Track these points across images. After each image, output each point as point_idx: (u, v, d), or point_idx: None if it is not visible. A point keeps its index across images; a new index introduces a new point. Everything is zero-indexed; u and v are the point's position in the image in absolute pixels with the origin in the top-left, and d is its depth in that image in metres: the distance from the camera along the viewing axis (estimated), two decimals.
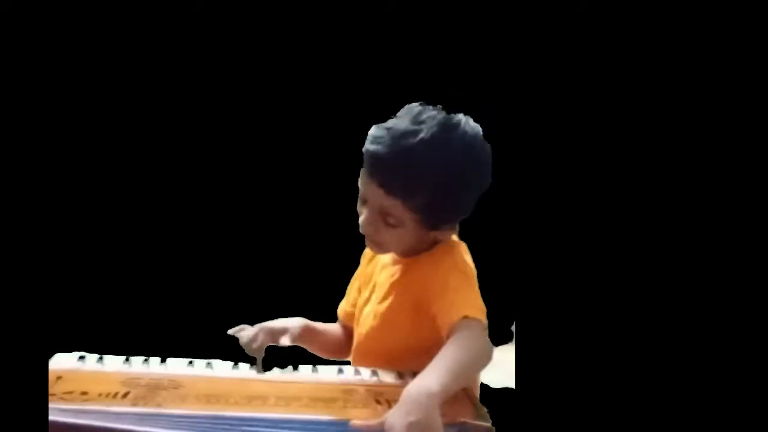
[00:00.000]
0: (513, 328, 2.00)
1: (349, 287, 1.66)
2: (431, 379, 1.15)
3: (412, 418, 1.09)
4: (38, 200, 1.25)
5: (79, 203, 2.45)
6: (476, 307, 1.31)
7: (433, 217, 1.37)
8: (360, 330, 1.50)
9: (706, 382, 1.39)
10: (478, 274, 1.50)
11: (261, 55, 2.52)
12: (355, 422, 1.15)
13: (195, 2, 2.43)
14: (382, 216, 1.38)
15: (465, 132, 1.36)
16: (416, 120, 1.35)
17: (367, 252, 1.61)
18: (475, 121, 1.42)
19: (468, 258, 1.44)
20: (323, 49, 2.50)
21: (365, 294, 1.55)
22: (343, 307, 1.65)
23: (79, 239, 2.46)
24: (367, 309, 1.51)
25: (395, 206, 1.35)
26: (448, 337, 1.26)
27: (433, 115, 1.36)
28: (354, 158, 1.56)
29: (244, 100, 2.55)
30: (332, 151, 2.33)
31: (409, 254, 1.45)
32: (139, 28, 2.45)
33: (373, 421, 1.13)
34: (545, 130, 1.56)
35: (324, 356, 1.60)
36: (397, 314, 1.43)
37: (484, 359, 1.26)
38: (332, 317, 1.73)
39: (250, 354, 1.44)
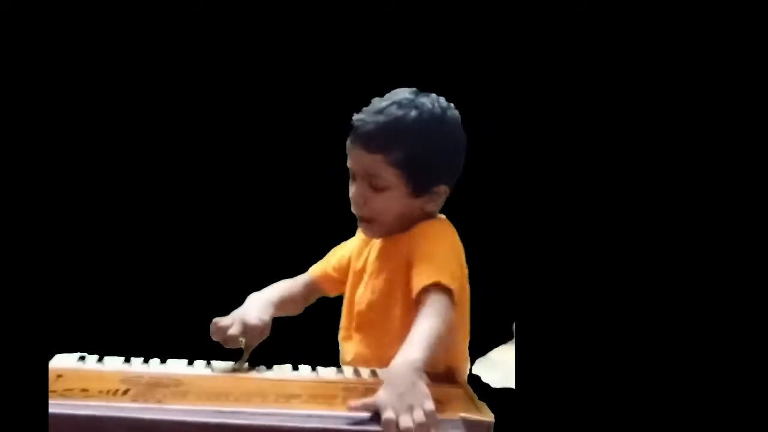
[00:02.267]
0: (513, 328, 2.00)
1: (332, 251, 1.70)
2: (410, 353, 1.24)
3: (400, 390, 1.17)
4: (38, 200, 1.25)
5: (79, 203, 2.45)
6: (448, 273, 1.38)
7: (415, 175, 1.47)
8: (358, 308, 1.54)
9: (706, 381, 1.40)
10: (478, 274, 1.51)
11: (260, 55, 2.52)
12: (351, 403, 1.20)
13: (195, 2, 2.43)
14: (368, 180, 1.48)
15: (434, 98, 1.51)
16: (392, 93, 1.53)
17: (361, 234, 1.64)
18: (475, 121, 1.55)
19: (452, 231, 1.51)
20: (323, 49, 2.50)
21: (358, 266, 1.59)
22: (323, 268, 1.69)
23: (79, 239, 2.46)
24: (361, 288, 1.56)
25: (379, 164, 1.46)
26: (417, 301, 1.35)
27: (406, 89, 1.53)
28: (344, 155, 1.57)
29: (243, 100, 2.55)
30: (332, 151, 2.34)
31: (401, 230, 1.51)
32: (139, 28, 2.45)
33: (366, 400, 1.18)
34: (545, 130, 1.56)
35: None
36: (391, 288, 1.49)
37: (446, 325, 1.34)
38: (331, 316, 1.73)
39: (228, 345, 1.45)
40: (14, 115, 1.24)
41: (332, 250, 1.71)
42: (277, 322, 1.68)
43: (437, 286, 1.36)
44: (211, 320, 1.54)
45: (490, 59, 2.39)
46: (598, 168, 1.48)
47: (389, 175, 1.47)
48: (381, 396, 1.17)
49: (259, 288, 1.65)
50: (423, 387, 1.18)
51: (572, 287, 1.49)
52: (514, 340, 2.04)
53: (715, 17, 1.41)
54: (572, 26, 1.51)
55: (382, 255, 1.54)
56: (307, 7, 2.46)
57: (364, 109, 1.52)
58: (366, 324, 1.53)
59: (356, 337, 1.54)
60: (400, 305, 1.46)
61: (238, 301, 1.59)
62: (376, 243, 1.57)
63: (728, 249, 1.40)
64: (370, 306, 1.52)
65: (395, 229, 1.52)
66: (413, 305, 1.37)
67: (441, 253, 1.43)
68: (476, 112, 1.57)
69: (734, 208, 1.40)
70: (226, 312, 1.61)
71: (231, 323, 1.46)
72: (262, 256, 2.53)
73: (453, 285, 1.37)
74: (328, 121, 2.45)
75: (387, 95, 1.53)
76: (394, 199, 1.48)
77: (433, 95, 1.53)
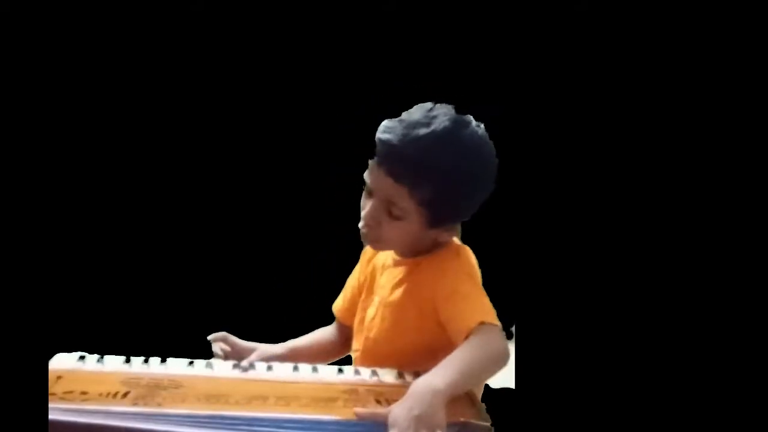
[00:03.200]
0: (513, 328, 2.00)
1: (346, 285, 1.66)
2: (439, 376, 1.17)
3: (416, 412, 1.11)
4: (38, 200, 1.25)
5: (79, 203, 2.45)
6: (491, 313, 1.31)
7: (437, 212, 1.38)
8: (366, 333, 1.50)
9: (706, 381, 1.40)
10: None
11: (260, 55, 2.52)
12: (359, 410, 1.17)
13: (195, 2, 2.43)
14: (387, 206, 1.38)
15: (475, 131, 1.39)
16: (428, 114, 1.38)
17: (367, 251, 1.61)
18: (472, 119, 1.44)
19: (474, 262, 1.45)
20: (322, 49, 2.50)
21: (366, 295, 1.55)
22: (340, 305, 1.65)
23: (79, 239, 2.45)
24: (371, 311, 1.51)
25: (401, 195, 1.36)
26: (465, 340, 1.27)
27: (444, 111, 1.39)
28: (352, 159, 1.57)
29: (243, 100, 2.55)
30: (331, 152, 2.34)
31: (408, 254, 1.46)
32: (139, 28, 2.45)
33: (377, 411, 1.16)
34: (545, 130, 1.56)
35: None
36: (403, 317, 1.44)
37: (501, 363, 1.27)
38: (331, 317, 1.73)
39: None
40: (14, 115, 1.24)
41: (346, 284, 1.66)
42: (277, 321, 1.69)
43: (483, 324, 1.28)
44: (211, 320, 1.55)
45: (489, 59, 2.39)
46: (599, 169, 1.48)
47: (410, 208, 1.37)
48: (394, 412, 1.13)
49: (259, 287, 1.65)
50: (440, 416, 1.13)
51: (572, 288, 1.49)
52: (513, 341, 2.05)
53: (716, 17, 1.40)
54: (572, 26, 1.51)
55: (393, 282, 1.48)
56: (307, 6, 2.45)
57: (394, 127, 1.37)
58: (375, 352, 1.48)
59: (367, 363, 1.49)
60: (412, 339, 1.42)
61: (238, 302, 1.59)
62: (388, 266, 1.51)
63: (728, 248, 1.40)
64: (380, 334, 1.47)
65: (402, 252, 1.47)
66: (442, 342, 1.30)
67: (471, 291, 1.36)
68: (476, 112, 1.56)
69: (734, 207, 1.40)
70: (226, 312, 1.61)
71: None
72: (262, 256, 2.54)
73: (495, 321, 1.29)
74: (327, 121, 2.45)
75: (421, 112, 1.39)
76: (408, 230, 1.40)
77: (473, 124, 1.39)
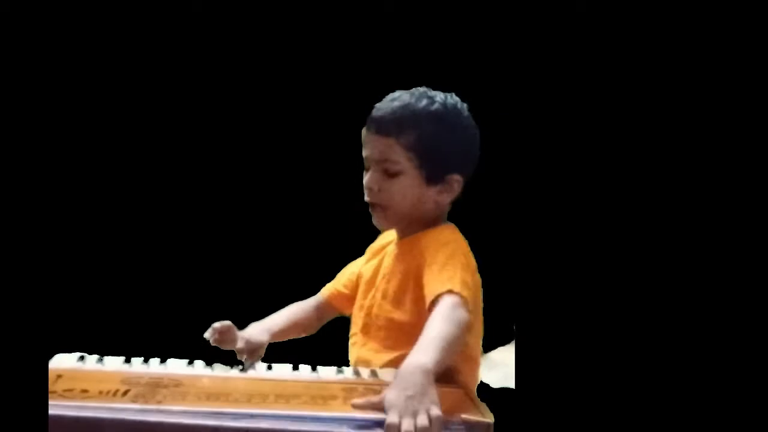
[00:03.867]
0: (513, 328, 2.01)
1: (343, 270, 1.73)
2: (424, 355, 1.22)
3: (409, 392, 1.15)
4: (38, 200, 1.25)
5: (79, 203, 2.45)
6: (458, 283, 1.36)
7: (427, 159, 1.48)
8: (368, 310, 1.55)
9: (706, 381, 1.40)
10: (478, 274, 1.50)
11: (260, 55, 2.52)
12: (356, 401, 1.20)
13: (195, 2, 2.43)
14: (382, 165, 1.50)
15: (449, 95, 1.55)
16: (410, 89, 1.56)
17: (374, 245, 1.67)
18: (475, 120, 1.56)
19: (460, 237, 1.52)
20: (322, 49, 2.50)
21: (369, 275, 1.60)
22: (333, 287, 1.72)
23: (79, 239, 2.46)
24: (372, 292, 1.56)
25: (391, 147, 1.49)
26: (430, 310, 1.34)
27: (423, 87, 1.56)
28: (352, 158, 1.58)
29: (243, 100, 2.55)
30: (330, 153, 2.34)
31: (413, 224, 1.52)
32: (139, 28, 2.45)
33: (372, 399, 1.18)
34: (544, 130, 1.56)
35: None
36: (402, 292, 1.49)
37: (464, 333, 1.33)
38: (333, 321, 1.73)
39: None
40: (14, 115, 1.24)
41: (342, 270, 1.73)
42: None
43: (450, 293, 1.34)
44: (211, 320, 1.57)
45: (489, 60, 2.39)
46: (600, 168, 1.48)
47: (402, 158, 1.48)
48: (388, 397, 1.16)
49: (259, 288, 1.66)
50: (432, 392, 1.17)
51: (572, 288, 1.49)
52: (513, 341, 2.04)
53: (716, 17, 1.41)
54: (572, 26, 1.51)
55: (395, 260, 1.55)
56: (306, 6, 2.46)
57: (382, 101, 1.55)
58: (374, 327, 1.53)
59: (363, 340, 1.55)
60: (409, 311, 1.47)
61: (238, 302, 1.60)
62: (390, 250, 1.59)
63: (729, 248, 1.40)
64: (380, 309, 1.52)
65: (409, 220, 1.53)
66: (426, 313, 1.35)
67: (452, 263, 1.41)
68: (476, 111, 1.57)
69: (735, 207, 1.40)
70: (226, 312, 1.62)
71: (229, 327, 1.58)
72: (262, 256, 2.54)
73: (465, 293, 1.35)
74: (325, 121, 2.46)
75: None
76: (408, 186, 1.49)
77: (450, 94, 1.56)
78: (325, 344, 1.78)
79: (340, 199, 1.69)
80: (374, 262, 1.63)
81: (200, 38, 2.48)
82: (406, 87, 1.57)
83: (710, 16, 1.41)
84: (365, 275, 1.63)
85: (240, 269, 2.52)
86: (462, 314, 1.32)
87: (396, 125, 1.49)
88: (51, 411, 1.12)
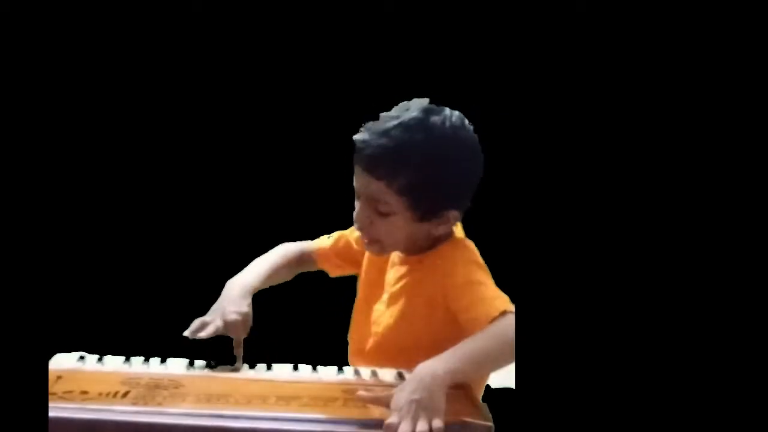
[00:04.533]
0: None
1: (339, 234, 1.64)
2: (442, 362, 1.19)
3: (416, 396, 1.13)
4: (38, 200, 1.24)
5: (79, 203, 2.45)
6: (509, 303, 1.32)
7: (421, 201, 1.38)
8: (375, 329, 1.50)
9: (707, 381, 1.39)
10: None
11: (260, 55, 2.52)
12: (362, 394, 1.19)
13: (195, 2, 2.43)
14: (373, 204, 1.40)
15: (447, 117, 1.40)
16: (401, 109, 1.42)
17: None
18: (472, 118, 1.45)
19: (479, 254, 1.45)
20: (321, 49, 2.50)
21: (374, 291, 1.55)
22: (324, 248, 1.64)
23: (79, 239, 2.45)
24: (379, 307, 1.51)
25: (381, 190, 1.38)
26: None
27: (417, 104, 1.41)
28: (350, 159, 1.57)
29: (243, 100, 2.55)
30: (330, 153, 2.33)
31: (412, 251, 1.46)
32: (139, 28, 2.45)
33: (380, 395, 1.18)
34: (543, 131, 1.56)
35: None
36: (411, 312, 1.44)
37: (511, 350, 1.26)
38: (332, 316, 1.73)
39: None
40: (14, 115, 1.24)
41: (340, 233, 1.65)
42: (277, 322, 1.68)
43: (505, 314, 1.29)
44: None
45: (489, 60, 2.39)
46: (600, 168, 1.48)
47: (393, 201, 1.38)
48: (396, 395, 1.15)
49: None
50: (440, 401, 1.14)
51: (572, 287, 1.49)
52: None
53: (716, 18, 1.40)
54: (572, 26, 1.51)
55: (403, 278, 1.48)
56: (306, 6, 2.45)
57: (369, 126, 1.41)
58: (384, 349, 1.48)
59: (372, 358, 1.49)
60: (420, 334, 1.41)
61: None
62: (396, 262, 1.51)
63: (730, 248, 1.40)
64: (391, 331, 1.46)
65: (403, 250, 1.47)
66: (450, 335, 1.30)
67: (484, 281, 1.37)
68: (474, 111, 1.57)
69: (735, 207, 1.40)
70: None
71: (210, 321, 1.43)
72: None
73: (511, 308, 1.30)
74: (324, 122, 2.45)
75: (396, 109, 1.43)
76: (399, 225, 1.41)
77: (447, 111, 1.41)
78: (325, 344, 1.78)
79: (340, 199, 1.68)
80: (379, 262, 1.56)
81: (200, 38, 2.48)
82: (406, 87, 1.53)
83: (710, 16, 1.41)
84: (368, 274, 1.56)
85: (240, 269, 2.51)
86: (511, 331, 1.25)
87: (387, 169, 1.36)
88: (51, 413, 1.12)
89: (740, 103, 1.40)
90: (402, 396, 1.14)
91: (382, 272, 1.55)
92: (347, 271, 1.66)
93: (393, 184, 1.37)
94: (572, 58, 1.51)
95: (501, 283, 1.60)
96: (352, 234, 1.63)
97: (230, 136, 2.56)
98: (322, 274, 1.77)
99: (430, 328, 1.40)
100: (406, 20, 2.44)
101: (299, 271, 1.67)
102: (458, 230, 1.51)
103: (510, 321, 1.27)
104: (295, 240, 1.73)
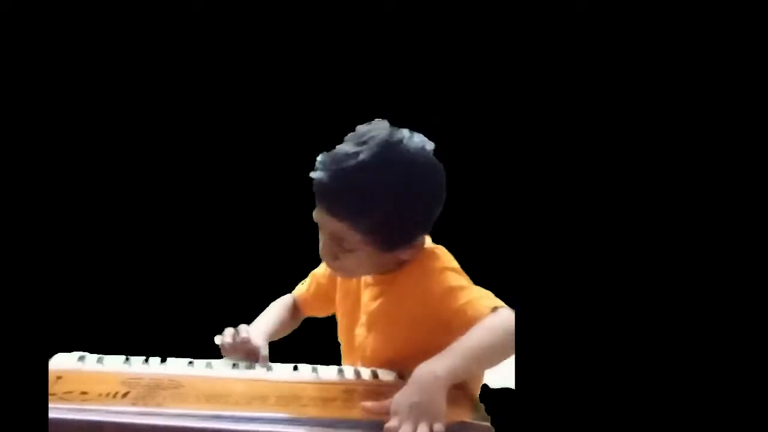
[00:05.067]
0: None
1: (312, 275, 1.65)
2: (440, 362, 1.17)
3: (416, 399, 1.12)
4: (38, 200, 1.25)
5: (79, 203, 2.45)
6: (494, 298, 1.31)
7: (387, 237, 1.35)
8: (361, 354, 1.48)
9: (706, 381, 1.39)
10: (479, 274, 1.50)
11: (261, 56, 2.52)
12: (366, 404, 1.18)
13: (195, 2, 2.43)
14: (337, 241, 1.37)
15: (407, 149, 1.34)
16: (358, 141, 1.34)
17: None
18: (466, 123, 1.43)
19: (452, 258, 1.43)
20: (320, 50, 2.50)
21: (351, 313, 1.52)
22: (302, 294, 1.66)
23: (79, 239, 2.45)
24: (360, 331, 1.49)
25: (344, 230, 1.34)
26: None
27: (375, 134, 1.34)
28: None
29: (244, 101, 2.55)
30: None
31: (383, 272, 1.43)
32: (140, 28, 2.45)
33: (383, 403, 1.16)
34: (543, 132, 1.56)
35: None
36: (393, 330, 1.42)
37: (510, 347, 1.24)
38: (332, 321, 1.73)
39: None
40: (14, 115, 1.24)
41: (311, 276, 1.65)
42: None
43: (496, 309, 1.27)
44: (210, 319, 1.56)
45: (489, 60, 2.39)
46: (600, 169, 1.48)
47: (358, 239, 1.34)
48: (396, 399, 1.14)
49: (258, 289, 1.65)
50: (440, 403, 1.13)
51: (572, 287, 1.49)
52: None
53: (716, 18, 1.40)
54: (572, 26, 1.51)
55: (378, 298, 1.45)
56: (305, 7, 2.45)
57: (326, 162, 1.35)
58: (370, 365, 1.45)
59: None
60: (406, 350, 1.38)
61: (238, 301, 1.59)
62: (370, 282, 1.47)
63: (729, 248, 1.40)
64: (374, 352, 1.44)
65: (373, 274, 1.45)
66: (440, 344, 1.26)
67: (468, 284, 1.35)
68: (472, 113, 1.56)
69: (735, 207, 1.40)
70: (226, 312, 1.62)
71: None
72: (262, 257, 2.54)
73: (500, 303, 1.28)
74: (324, 123, 2.45)
75: (352, 139, 1.35)
76: (366, 258, 1.37)
77: (406, 139, 1.34)
78: (325, 344, 1.78)
79: None
80: (350, 288, 1.53)
81: (200, 39, 2.48)
82: (404, 87, 1.52)
83: (710, 16, 1.41)
84: (343, 304, 1.54)
85: (240, 269, 2.52)
86: (509, 328, 1.23)
87: (349, 211, 1.31)
88: (51, 414, 1.12)
89: (741, 103, 1.39)
90: (402, 399, 1.13)
91: (357, 295, 1.52)
92: (332, 310, 1.63)
93: (357, 224, 1.33)
94: (567, 60, 1.51)
95: (501, 284, 1.60)
96: (321, 271, 1.62)
97: (230, 137, 2.56)
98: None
99: (418, 346, 1.34)
100: (405, 20, 2.44)
101: (296, 321, 1.68)
102: (426, 240, 1.48)
103: (505, 314, 1.26)
104: (293, 240, 1.73)
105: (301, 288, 1.68)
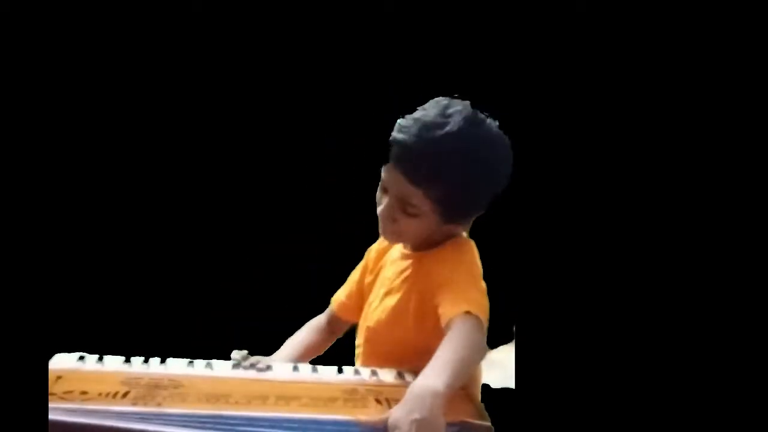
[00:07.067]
0: (513, 328, 2.01)
1: (349, 279, 1.67)
2: (436, 377, 1.17)
3: (416, 416, 1.11)
4: (38, 200, 1.25)
5: (79, 203, 2.45)
6: (477, 304, 1.32)
7: (452, 209, 1.39)
8: (367, 323, 1.51)
9: (706, 381, 1.40)
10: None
11: (261, 56, 2.52)
12: (361, 418, 1.17)
13: (195, 2, 2.43)
14: (402, 205, 1.40)
15: (489, 129, 1.40)
16: (443, 113, 1.38)
17: (374, 248, 1.62)
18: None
19: (476, 255, 1.46)
20: (323, 49, 2.50)
21: (369, 280, 1.56)
22: (339, 298, 1.66)
23: (79, 239, 2.46)
24: (374, 303, 1.52)
25: (417, 196, 1.37)
26: (446, 330, 1.28)
27: (459, 109, 1.38)
28: (353, 159, 1.57)
29: (248, 100, 2.55)
30: (331, 154, 2.34)
31: (421, 247, 1.46)
32: (140, 28, 2.45)
33: (377, 417, 1.16)
34: (543, 132, 1.56)
35: None
36: (404, 308, 1.44)
37: (481, 354, 1.29)
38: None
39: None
40: (14, 115, 1.24)
41: (350, 277, 1.67)
42: (277, 322, 1.69)
43: (468, 315, 1.28)
44: (210, 319, 1.55)
45: (489, 60, 2.39)
46: (600, 169, 1.48)
47: (425, 206, 1.38)
48: (394, 415, 1.13)
49: (258, 290, 1.65)
50: (440, 419, 1.13)
51: (572, 287, 1.49)
52: (514, 340, 2.05)
53: (716, 18, 1.41)
54: (572, 26, 1.51)
55: (397, 274, 1.49)
56: (307, 7, 2.46)
57: (409, 126, 1.37)
58: (372, 342, 1.50)
59: (364, 353, 1.52)
60: (411, 328, 1.42)
61: (238, 301, 1.59)
62: (393, 259, 1.52)
63: (728, 248, 1.40)
64: (379, 324, 1.47)
65: (421, 243, 1.47)
66: (435, 332, 1.30)
67: (464, 281, 1.36)
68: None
69: (735, 207, 1.40)
70: (226, 312, 1.62)
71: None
72: (262, 257, 2.54)
73: (483, 315, 1.30)
74: (325, 123, 2.46)
75: (435, 109, 1.39)
76: (424, 226, 1.41)
77: (488, 120, 1.40)
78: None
79: (341, 199, 1.68)
80: (376, 266, 1.58)
81: (200, 39, 2.48)
82: (409, 86, 1.52)
83: (710, 16, 1.41)
84: (369, 283, 1.58)
85: (240, 269, 2.52)
86: (479, 337, 1.27)
87: (426, 177, 1.35)
88: (51, 414, 1.12)
89: (742, 103, 1.40)
90: (402, 415, 1.13)
91: (378, 272, 1.56)
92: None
93: (430, 191, 1.36)
94: (567, 60, 1.51)
95: (500, 285, 1.60)
96: (354, 273, 1.64)
97: (232, 138, 2.56)
98: (320, 273, 1.77)
99: (419, 325, 1.39)
100: (407, 18, 2.44)
101: (333, 333, 1.67)
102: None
103: (472, 323, 1.27)
104: (293, 239, 1.73)
105: (337, 297, 1.68)
